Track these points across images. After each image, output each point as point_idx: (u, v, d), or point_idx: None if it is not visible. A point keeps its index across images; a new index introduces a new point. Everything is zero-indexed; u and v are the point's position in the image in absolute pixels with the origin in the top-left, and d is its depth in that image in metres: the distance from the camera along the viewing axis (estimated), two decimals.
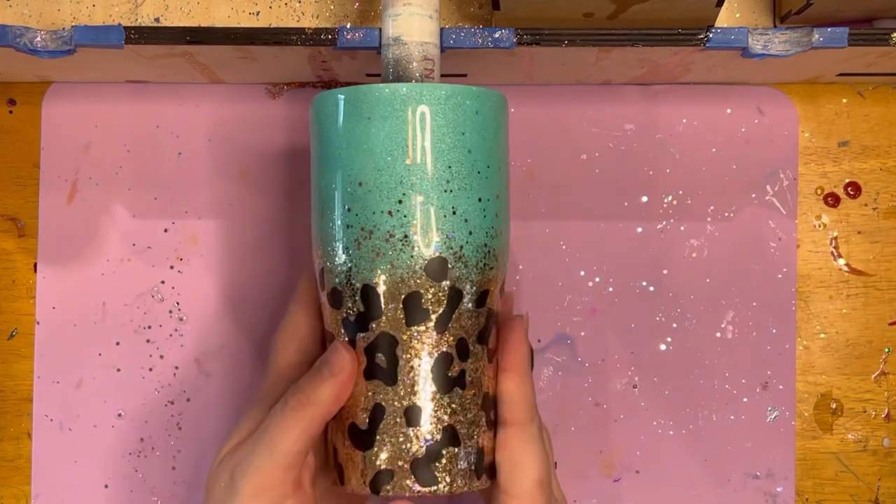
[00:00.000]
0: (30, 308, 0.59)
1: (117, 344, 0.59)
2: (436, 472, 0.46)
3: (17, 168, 0.60)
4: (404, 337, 0.46)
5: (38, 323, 0.59)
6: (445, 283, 0.46)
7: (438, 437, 0.46)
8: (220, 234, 0.59)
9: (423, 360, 0.46)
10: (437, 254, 0.46)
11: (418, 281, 0.46)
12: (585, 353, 0.59)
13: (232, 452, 0.48)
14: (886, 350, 0.59)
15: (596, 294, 0.59)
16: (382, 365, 0.47)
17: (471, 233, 0.47)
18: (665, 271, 0.59)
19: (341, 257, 0.47)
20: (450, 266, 0.46)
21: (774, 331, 0.59)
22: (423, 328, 0.46)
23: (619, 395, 0.59)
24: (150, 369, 0.59)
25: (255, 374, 0.59)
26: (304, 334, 0.51)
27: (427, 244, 0.46)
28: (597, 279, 0.60)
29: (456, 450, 0.47)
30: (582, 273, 0.60)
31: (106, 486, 0.59)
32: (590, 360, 0.59)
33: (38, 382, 0.59)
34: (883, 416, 0.59)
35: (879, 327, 0.59)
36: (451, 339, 0.47)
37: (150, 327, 0.59)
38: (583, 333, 0.59)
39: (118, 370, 0.59)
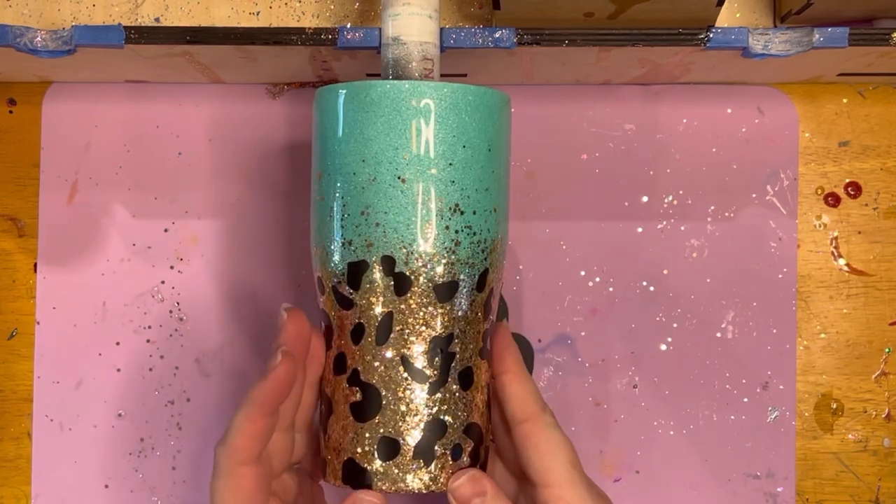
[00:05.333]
0: (30, 308, 0.59)
1: (117, 344, 0.59)
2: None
3: (17, 168, 0.60)
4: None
5: (38, 323, 0.59)
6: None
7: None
8: (220, 234, 0.59)
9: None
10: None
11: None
12: (586, 353, 0.59)
13: None
14: (887, 350, 0.59)
15: (596, 294, 0.59)
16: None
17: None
18: (665, 271, 0.59)
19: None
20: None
21: (775, 331, 0.59)
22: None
23: (620, 395, 0.59)
24: (150, 369, 0.59)
25: (255, 375, 0.59)
26: None
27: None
28: (597, 279, 0.60)
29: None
30: (582, 273, 0.60)
31: (106, 486, 0.59)
32: (590, 360, 0.59)
33: (38, 382, 0.59)
34: (883, 416, 0.59)
35: (880, 327, 0.59)
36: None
37: (150, 327, 0.59)
38: (583, 333, 0.59)
39: (118, 370, 0.59)
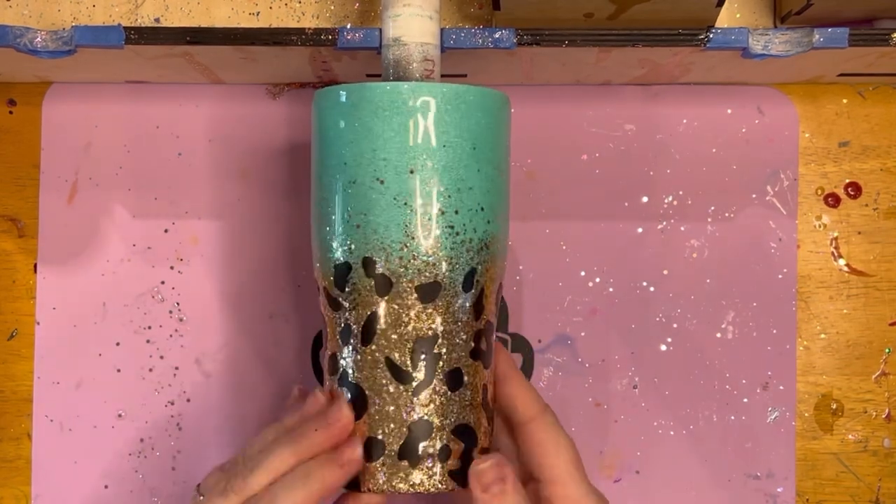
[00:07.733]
0: (30, 308, 0.59)
1: (117, 344, 0.59)
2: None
3: (17, 168, 0.60)
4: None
5: (38, 323, 0.59)
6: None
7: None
8: (221, 234, 0.59)
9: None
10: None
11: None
12: (586, 354, 0.59)
13: None
14: (887, 350, 0.59)
15: (596, 294, 0.59)
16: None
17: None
18: (665, 271, 0.59)
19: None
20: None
21: (775, 331, 0.59)
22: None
23: (620, 396, 0.59)
24: (150, 369, 0.59)
25: (255, 375, 0.59)
26: None
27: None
28: (597, 279, 0.60)
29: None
30: (582, 273, 0.60)
31: (106, 487, 0.59)
32: (590, 361, 0.59)
33: (38, 383, 0.59)
34: (883, 416, 0.59)
35: (880, 328, 0.59)
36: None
37: (150, 327, 0.59)
38: (583, 334, 0.59)
39: (118, 370, 0.59)
